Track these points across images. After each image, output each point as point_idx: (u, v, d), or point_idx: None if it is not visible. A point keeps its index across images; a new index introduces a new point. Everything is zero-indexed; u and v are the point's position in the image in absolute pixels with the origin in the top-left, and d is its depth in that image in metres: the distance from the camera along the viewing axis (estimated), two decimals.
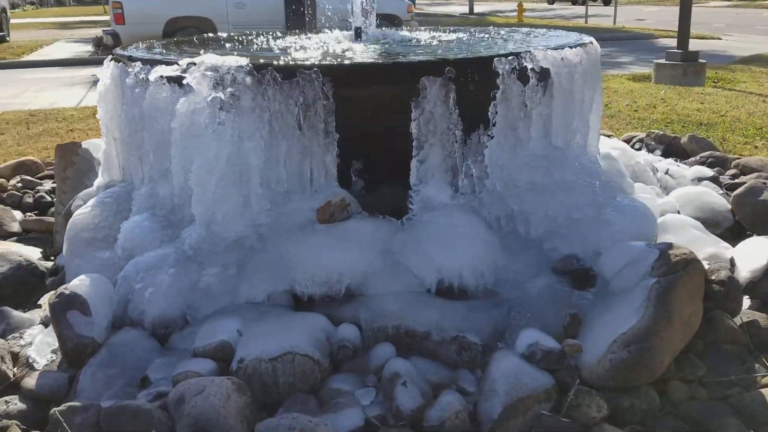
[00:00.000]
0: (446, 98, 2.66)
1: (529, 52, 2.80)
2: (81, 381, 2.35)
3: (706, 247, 3.06)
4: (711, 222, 3.53)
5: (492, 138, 2.77)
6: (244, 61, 2.64)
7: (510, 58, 2.73)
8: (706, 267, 2.73)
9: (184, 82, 2.62)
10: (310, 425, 2.03)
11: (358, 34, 3.81)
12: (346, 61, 2.77)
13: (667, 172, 4.21)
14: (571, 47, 2.98)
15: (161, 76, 2.74)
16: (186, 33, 12.74)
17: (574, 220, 2.82)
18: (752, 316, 2.71)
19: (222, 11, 13.11)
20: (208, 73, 2.62)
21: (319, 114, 2.66)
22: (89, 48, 15.96)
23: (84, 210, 3.05)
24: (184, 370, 2.30)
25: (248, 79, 2.60)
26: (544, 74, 2.84)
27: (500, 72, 2.72)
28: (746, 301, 2.86)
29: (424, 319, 2.43)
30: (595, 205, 2.87)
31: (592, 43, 3.20)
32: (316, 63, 2.64)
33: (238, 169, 2.64)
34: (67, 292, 2.49)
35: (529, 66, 2.78)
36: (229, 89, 2.60)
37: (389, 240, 2.57)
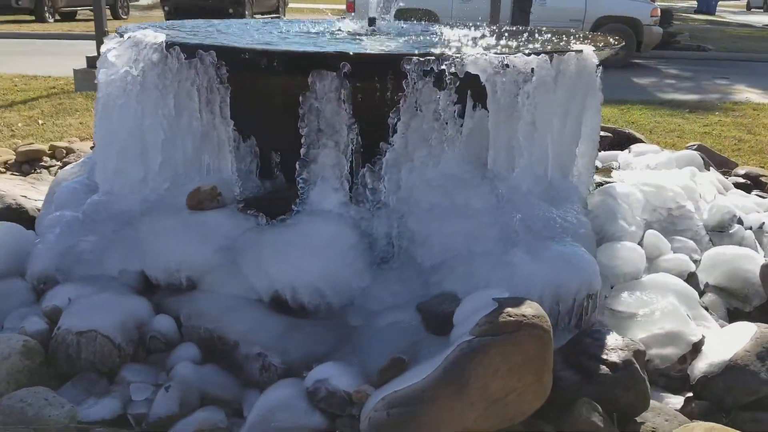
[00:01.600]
0: (338, 96, 2.41)
1: (458, 54, 2.41)
2: None
3: (671, 322, 2.40)
4: (738, 294, 2.77)
5: (392, 147, 2.45)
6: (161, 38, 2.65)
7: (420, 59, 2.37)
8: (614, 343, 2.16)
9: (108, 55, 2.71)
10: (44, 403, 2.01)
11: (371, 24, 3.59)
12: (247, 46, 2.63)
13: (762, 227, 3.35)
14: (527, 54, 2.50)
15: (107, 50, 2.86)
16: None
17: (472, 254, 2.39)
18: (670, 420, 2.08)
19: (446, 4, 13.15)
20: (129, 48, 2.68)
21: (215, 98, 2.57)
22: None
23: (69, 167, 3.33)
24: (21, 325, 2.42)
25: (155, 56, 2.61)
26: (470, 82, 2.43)
27: (408, 74, 2.38)
28: (687, 401, 2.21)
29: (239, 328, 2.25)
30: (505, 240, 2.40)
31: (580, 52, 2.64)
32: (215, 44, 2.56)
33: (140, 145, 2.67)
34: None
35: (450, 70, 2.39)
36: (141, 65, 2.63)
37: (237, 238, 2.41)
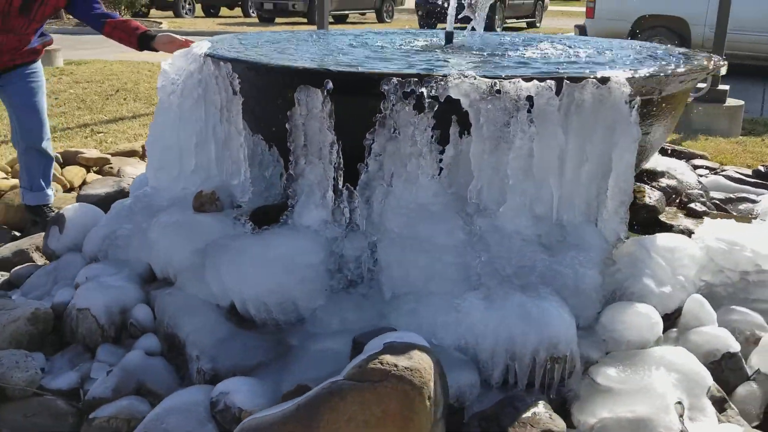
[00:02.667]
0: (321, 113, 2.40)
1: (445, 75, 2.26)
2: (32, 277, 3.06)
3: (646, 406, 2.01)
4: None
5: (366, 169, 2.37)
6: (204, 49, 2.85)
7: (401, 79, 2.26)
8: (530, 418, 1.88)
9: (163, 65, 2.98)
10: (13, 365, 2.32)
11: (448, 39, 3.42)
12: (262, 59, 2.68)
13: None
14: (527, 79, 2.24)
15: None
16: (653, 33, 12.06)
17: (427, 292, 2.23)
18: None
19: (700, 11, 11.84)
20: (180, 57, 2.93)
21: (232, 108, 2.71)
22: None
23: None
24: (59, 291, 2.80)
25: (193, 66, 2.82)
26: (456, 107, 2.25)
27: (386, 95, 2.29)
28: None
29: (189, 329, 2.36)
30: (464, 282, 2.20)
31: (604, 81, 2.29)
32: (229, 57, 2.68)
33: (178, 146, 2.91)
34: (59, 212, 3.22)
35: (429, 93, 2.25)
36: (183, 73, 2.87)
37: (213, 242, 2.51)
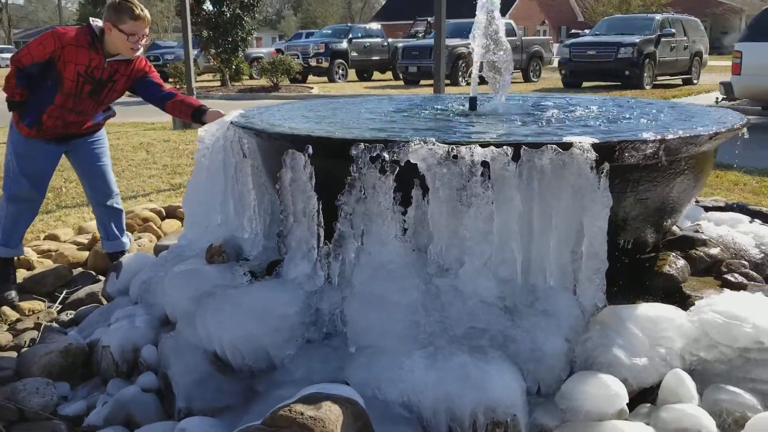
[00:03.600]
0: (304, 174, 2.59)
1: (407, 141, 2.37)
2: (89, 316, 3.47)
3: None
4: None
5: (339, 228, 2.51)
6: (229, 117, 3.16)
7: (367, 144, 2.40)
8: None
9: (199, 131, 3.32)
10: (34, 392, 2.66)
11: (472, 106, 3.46)
12: (263, 126, 2.90)
13: None
14: (484, 145, 2.30)
15: None
16: None
17: (380, 349, 2.30)
18: None
19: None
20: (213, 124, 3.26)
21: (243, 169, 2.97)
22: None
23: None
24: (98, 330, 3.17)
25: (218, 132, 3.13)
26: (414, 170, 2.35)
27: (355, 159, 2.44)
28: None
29: (176, 370, 2.58)
30: (412, 340, 2.25)
31: (566, 147, 2.28)
32: (242, 124, 2.95)
33: (206, 203, 3.22)
34: (120, 259, 3.64)
35: (392, 158, 2.37)
36: (212, 139, 3.19)
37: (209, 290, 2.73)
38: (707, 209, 4.95)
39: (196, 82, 23.75)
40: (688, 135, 2.57)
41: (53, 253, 4.43)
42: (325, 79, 24.76)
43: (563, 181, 2.32)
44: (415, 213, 2.41)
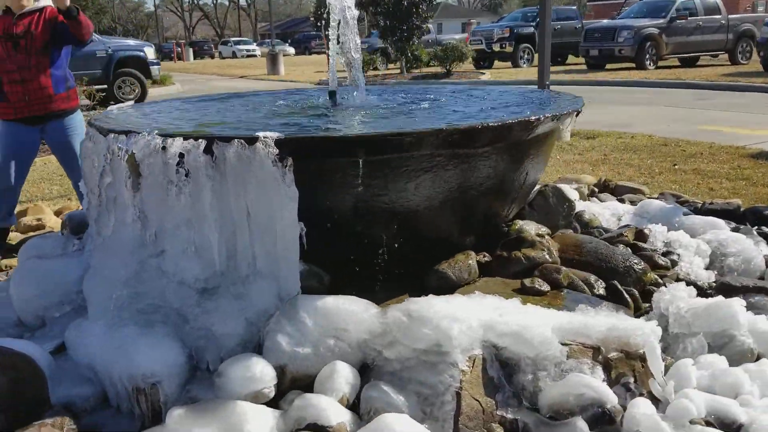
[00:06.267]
0: (89, 161, 2.98)
1: (136, 132, 2.65)
2: None
3: None
4: None
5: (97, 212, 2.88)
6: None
7: (114, 135, 2.73)
8: None
9: None
10: None
11: (332, 98, 3.52)
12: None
13: None
14: (186, 138, 2.50)
15: None
16: None
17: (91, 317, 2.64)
18: None
19: None
20: None
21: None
22: None
23: None
24: None
25: None
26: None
27: (107, 147, 2.77)
28: None
29: None
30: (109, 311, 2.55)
31: (248, 140, 2.41)
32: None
33: None
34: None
35: (125, 147, 2.67)
36: None
37: None
38: (698, 211, 4.54)
39: (386, 69, 24.83)
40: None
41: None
42: (509, 64, 24.47)
43: (251, 173, 2.45)
44: (139, 198, 2.69)
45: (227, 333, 2.46)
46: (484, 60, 24.51)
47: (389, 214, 2.76)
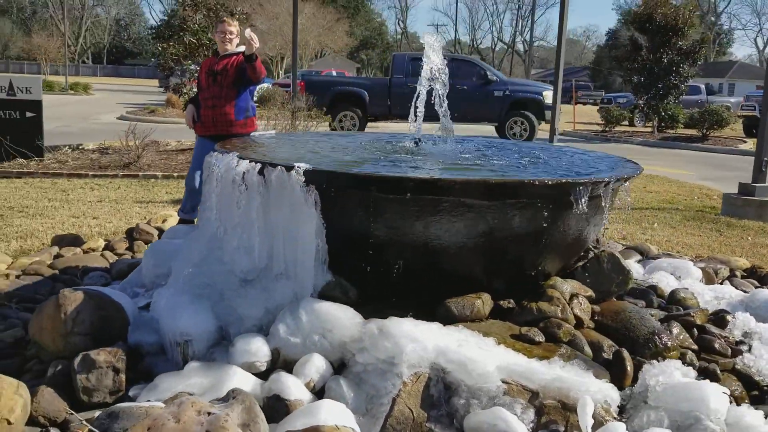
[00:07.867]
0: None
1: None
2: None
3: None
4: None
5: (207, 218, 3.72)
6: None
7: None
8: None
9: None
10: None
11: (417, 145, 3.98)
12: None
13: None
14: (252, 161, 3.24)
15: None
16: None
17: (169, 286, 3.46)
18: None
19: None
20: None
21: None
22: None
23: None
24: None
25: None
26: None
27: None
28: None
29: None
30: (180, 282, 3.35)
31: (287, 168, 3.06)
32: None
33: None
34: None
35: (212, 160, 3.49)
36: None
37: None
38: None
39: (643, 126, 23.89)
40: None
41: None
42: None
43: (284, 193, 3.11)
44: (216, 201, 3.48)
45: (249, 316, 3.13)
46: (755, 127, 22.58)
47: (423, 249, 3.18)
